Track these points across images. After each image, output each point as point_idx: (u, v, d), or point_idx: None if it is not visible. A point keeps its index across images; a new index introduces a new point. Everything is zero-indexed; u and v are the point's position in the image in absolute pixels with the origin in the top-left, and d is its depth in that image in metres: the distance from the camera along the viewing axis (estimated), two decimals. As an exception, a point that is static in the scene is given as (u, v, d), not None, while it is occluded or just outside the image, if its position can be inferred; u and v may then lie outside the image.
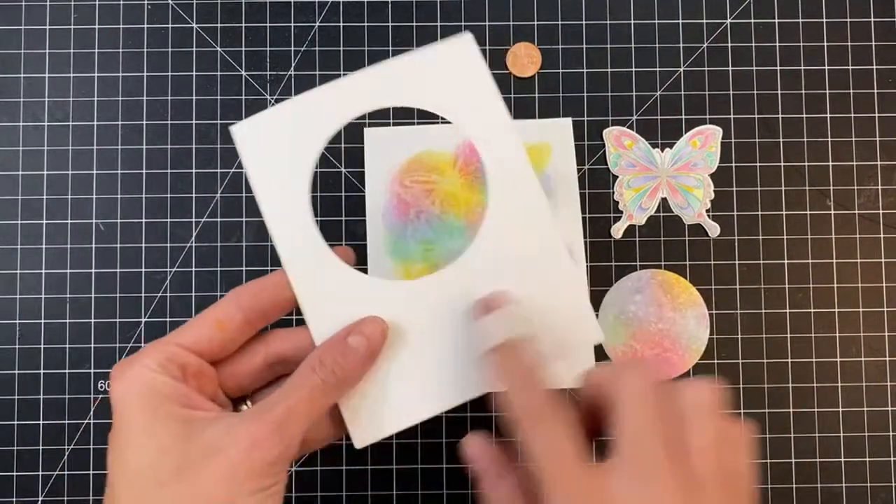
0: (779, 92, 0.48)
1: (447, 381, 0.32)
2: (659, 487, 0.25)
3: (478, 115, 0.33)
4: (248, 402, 0.31)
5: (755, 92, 0.48)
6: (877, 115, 0.48)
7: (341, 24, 0.49)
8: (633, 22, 0.49)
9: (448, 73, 0.33)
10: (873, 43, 0.49)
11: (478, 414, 0.47)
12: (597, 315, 0.47)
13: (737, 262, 0.47)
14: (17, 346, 0.47)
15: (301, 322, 0.32)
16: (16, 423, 0.46)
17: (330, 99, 0.32)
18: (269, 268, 0.47)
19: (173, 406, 0.27)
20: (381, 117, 0.47)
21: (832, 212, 0.48)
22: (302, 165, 0.32)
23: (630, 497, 0.25)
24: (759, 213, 0.48)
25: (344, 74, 0.48)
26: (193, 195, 0.47)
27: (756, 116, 0.48)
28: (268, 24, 0.48)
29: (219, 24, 0.48)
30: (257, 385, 0.32)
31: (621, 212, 0.48)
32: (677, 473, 0.26)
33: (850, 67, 0.49)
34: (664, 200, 0.48)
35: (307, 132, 0.32)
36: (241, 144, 0.32)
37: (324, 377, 0.29)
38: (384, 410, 0.31)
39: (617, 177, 0.48)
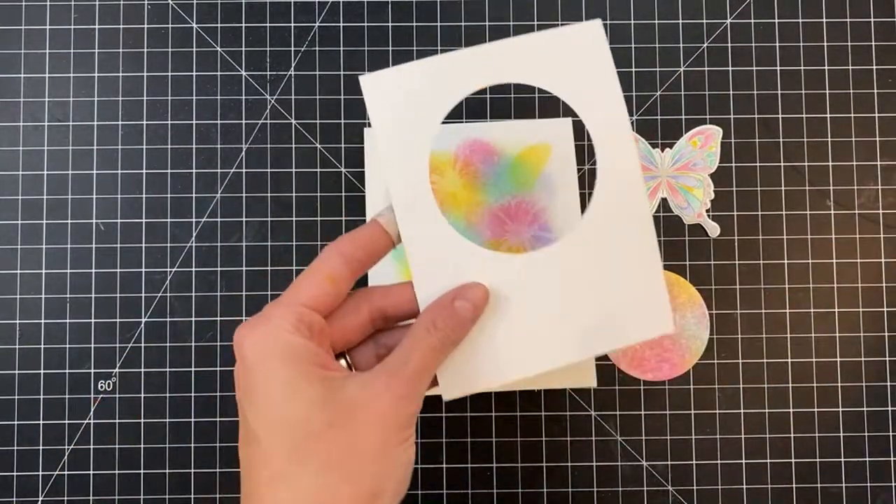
0: (779, 92, 0.48)
1: (535, 348, 0.33)
2: None
3: (597, 104, 0.33)
4: (347, 357, 0.33)
5: (755, 92, 0.48)
6: (877, 115, 0.48)
7: (341, 24, 0.49)
8: (633, 22, 0.49)
9: (573, 57, 0.33)
10: (873, 43, 0.49)
11: (478, 414, 0.47)
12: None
13: (737, 262, 0.47)
14: (17, 347, 0.47)
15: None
16: (16, 423, 0.46)
17: (457, 66, 0.33)
18: (269, 268, 0.47)
19: (311, 366, 0.29)
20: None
21: (832, 212, 0.48)
22: (425, 127, 0.33)
23: None
24: (759, 213, 0.48)
25: (344, 74, 0.48)
26: (193, 195, 0.47)
27: (756, 116, 0.48)
28: (268, 24, 0.48)
29: (219, 24, 0.48)
30: (360, 339, 0.34)
31: (621, 212, 0.48)
32: None
33: (850, 67, 0.49)
34: (664, 200, 0.48)
35: (432, 95, 0.33)
36: (368, 95, 0.33)
37: (439, 338, 0.31)
38: (474, 369, 0.33)
39: (617, 177, 0.48)
